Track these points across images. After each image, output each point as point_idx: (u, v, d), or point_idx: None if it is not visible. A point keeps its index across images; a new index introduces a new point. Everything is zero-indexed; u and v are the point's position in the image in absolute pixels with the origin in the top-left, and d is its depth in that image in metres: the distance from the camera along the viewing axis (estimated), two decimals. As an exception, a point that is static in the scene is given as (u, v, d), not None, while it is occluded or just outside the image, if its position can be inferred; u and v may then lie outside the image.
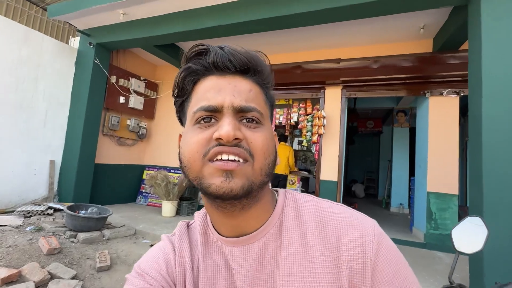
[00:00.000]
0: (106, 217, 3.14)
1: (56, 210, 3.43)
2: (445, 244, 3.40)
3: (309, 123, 4.24)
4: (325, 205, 0.45)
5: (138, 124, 5.03)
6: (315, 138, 4.08)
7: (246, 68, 0.42)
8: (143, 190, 5.18)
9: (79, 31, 4.18)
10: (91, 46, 4.14)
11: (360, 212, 0.44)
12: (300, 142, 6.65)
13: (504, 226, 1.89)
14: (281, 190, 0.48)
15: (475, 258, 2.03)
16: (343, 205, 0.45)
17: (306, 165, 6.97)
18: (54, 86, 4.00)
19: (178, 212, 4.38)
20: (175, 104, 0.47)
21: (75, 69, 4.22)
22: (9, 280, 1.92)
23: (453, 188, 3.49)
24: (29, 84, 3.71)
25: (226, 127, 0.37)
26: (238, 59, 0.41)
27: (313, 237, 0.41)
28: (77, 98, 4.15)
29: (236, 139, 0.37)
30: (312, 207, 0.45)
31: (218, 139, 0.37)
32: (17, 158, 3.60)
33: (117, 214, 3.93)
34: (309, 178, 5.26)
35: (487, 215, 1.94)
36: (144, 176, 5.26)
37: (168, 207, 4.24)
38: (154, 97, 5.34)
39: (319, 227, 0.42)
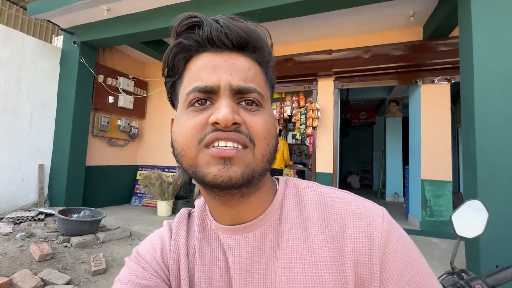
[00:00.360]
0: (100, 220, 3.07)
1: (47, 215, 3.34)
2: (440, 230, 3.45)
3: (303, 116, 4.22)
4: (329, 192, 0.42)
5: (129, 124, 4.93)
6: (309, 130, 4.06)
7: (245, 44, 0.38)
8: (138, 191, 5.10)
9: (62, 29, 4.04)
10: (76, 45, 4.01)
11: (367, 199, 0.41)
12: (294, 136, 6.63)
13: (499, 210, 1.90)
14: (282, 178, 0.45)
15: (471, 243, 2.05)
16: (349, 192, 0.42)
17: (301, 158, 6.98)
18: (39, 88, 3.86)
19: (174, 211, 4.32)
20: (165, 85, 0.43)
21: (59, 69, 4.09)
22: (0, 289, 1.86)
23: (447, 174, 3.53)
24: (12, 86, 3.57)
25: (223, 110, 0.34)
26: (235, 34, 0.37)
27: (315, 227, 0.38)
28: (63, 99, 4.02)
29: (234, 123, 0.34)
30: (315, 194, 0.42)
31: (215, 123, 0.34)
32: (3, 163, 3.48)
33: (111, 216, 3.86)
34: (305, 171, 5.27)
35: (481, 200, 1.95)
36: (137, 177, 5.18)
37: (163, 207, 4.19)
38: (144, 95, 5.23)
39: (322, 216, 0.39)
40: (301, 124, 4.25)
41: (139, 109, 5.17)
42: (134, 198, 5.12)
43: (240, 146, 0.34)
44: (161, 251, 0.44)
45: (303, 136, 4.31)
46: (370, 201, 0.40)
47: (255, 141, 0.35)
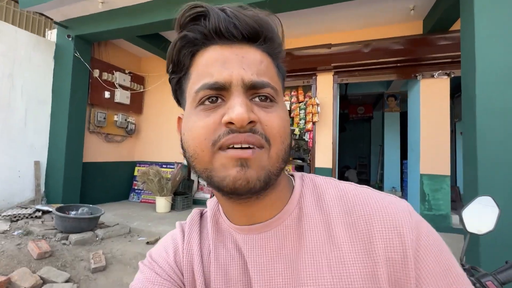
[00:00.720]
0: (99, 217, 3.04)
1: (44, 212, 3.30)
2: (438, 224, 3.48)
3: (302, 111, 4.19)
4: (349, 188, 0.40)
5: (126, 120, 4.86)
6: (309, 126, 4.04)
7: (255, 35, 0.36)
8: (136, 187, 5.07)
9: (55, 23, 3.93)
10: (70, 39, 3.91)
11: (390, 194, 0.39)
12: (292, 131, 6.61)
13: (500, 205, 1.90)
14: (297, 174, 0.44)
15: (471, 238, 2.06)
16: (369, 187, 0.41)
17: (299, 154, 6.96)
18: (33, 83, 3.77)
19: (173, 207, 4.30)
20: (170, 82, 0.41)
21: (54, 64, 3.99)
22: (-2, 288, 1.84)
23: (445, 169, 3.55)
24: (5, 81, 3.48)
25: (238, 109, 0.32)
26: (245, 24, 0.35)
27: (338, 225, 0.37)
28: (58, 95, 3.94)
29: (250, 122, 0.32)
30: (335, 190, 0.40)
31: (229, 123, 0.32)
32: (-2, 160, 3.42)
33: (110, 213, 3.82)
34: (303, 166, 5.27)
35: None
36: (135, 173, 5.14)
37: (162, 203, 4.16)
38: (141, 90, 5.15)
39: (345, 214, 0.37)
40: (300, 119, 4.23)
41: (136, 104, 5.10)
42: (132, 195, 5.09)
43: (256, 147, 0.33)
44: (174, 254, 0.42)
45: (302, 131, 4.29)
46: (392, 195, 0.39)
47: (270, 140, 0.34)
